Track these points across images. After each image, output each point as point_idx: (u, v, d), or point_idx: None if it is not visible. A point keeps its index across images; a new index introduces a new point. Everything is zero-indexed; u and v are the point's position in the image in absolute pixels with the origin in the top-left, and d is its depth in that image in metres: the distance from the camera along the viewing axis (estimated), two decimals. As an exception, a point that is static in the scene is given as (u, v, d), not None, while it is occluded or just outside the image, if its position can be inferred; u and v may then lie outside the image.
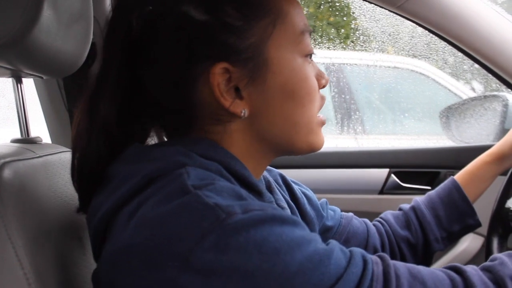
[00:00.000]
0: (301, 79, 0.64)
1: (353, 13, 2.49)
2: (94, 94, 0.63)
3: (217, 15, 0.60)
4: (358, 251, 0.55)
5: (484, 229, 1.05)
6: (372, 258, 0.56)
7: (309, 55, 0.66)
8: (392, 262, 0.56)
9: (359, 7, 2.06)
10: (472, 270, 0.58)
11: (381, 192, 1.55)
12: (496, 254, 0.62)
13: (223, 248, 0.48)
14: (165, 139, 0.71)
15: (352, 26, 2.43)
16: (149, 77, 0.64)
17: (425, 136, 2.46)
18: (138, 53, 0.63)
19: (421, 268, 0.57)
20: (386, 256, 0.57)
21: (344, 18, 2.66)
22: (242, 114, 0.62)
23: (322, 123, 0.70)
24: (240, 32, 0.60)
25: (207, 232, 0.48)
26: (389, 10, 1.09)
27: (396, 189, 1.54)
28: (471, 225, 0.95)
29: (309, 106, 0.65)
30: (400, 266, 0.56)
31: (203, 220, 0.49)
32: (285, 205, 0.77)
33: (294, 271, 0.49)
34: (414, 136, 2.52)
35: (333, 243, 0.55)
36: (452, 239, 0.96)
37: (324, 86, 0.70)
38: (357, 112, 2.53)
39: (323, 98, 0.70)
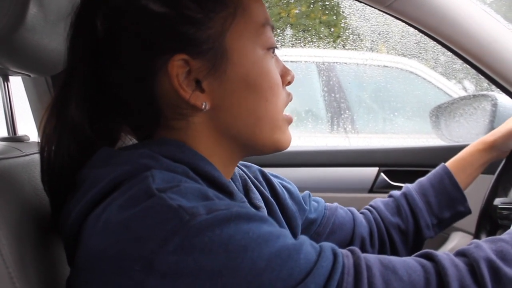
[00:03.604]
0: (263, 71, 0.64)
1: (343, 12, 2.49)
2: (61, 95, 0.63)
3: (175, 7, 0.61)
4: (328, 245, 0.56)
5: (472, 227, 1.06)
6: (343, 251, 0.56)
7: (271, 49, 0.66)
8: (363, 255, 0.56)
9: (349, 6, 2.06)
10: (443, 255, 0.58)
11: (371, 190, 1.55)
12: (474, 240, 0.62)
13: (188, 249, 0.48)
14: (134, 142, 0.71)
15: (342, 25, 2.44)
16: (114, 76, 0.64)
17: (415, 135, 2.47)
18: (104, 53, 0.63)
19: (392, 257, 0.57)
20: (357, 249, 0.57)
21: (334, 17, 2.66)
22: (203, 106, 0.62)
23: (289, 121, 0.69)
24: (199, 24, 0.61)
25: (170, 234, 0.48)
26: (379, 9, 1.09)
27: (385, 188, 1.54)
28: (462, 212, 0.96)
29: (273, 100, 0.65)
30: (371, 258, 0.56)
31: (166, 223, 0.49)
32: (262, 204, 0.76)
33: (262, 267, 0.49)
34: (404, 135, 2.53)
35: (303, 238, 0.55)
36: (442, 227, 0.97)
37: (289, 83, 0.70)
38: (347, 111, 2.53)
39: (289, 95, 0.70)
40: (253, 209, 0.56)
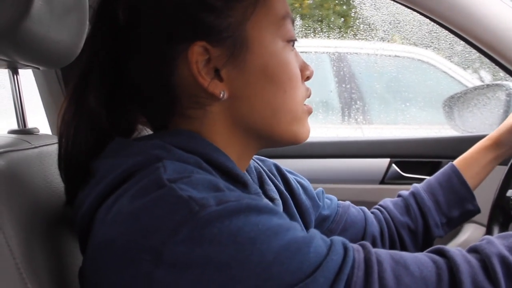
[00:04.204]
0: (282, 63, 0.64)
1: (353, 1, 2.47)
2: (80, 84, 0.63)
3: None
4: (338, 239, 0.55)
5: (485, 218, 1.05)
6: (354, 246, 0.55)
7: (291, 41, 0.66)
8: (374, 249, 0.56)
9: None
10: (455, 251, 0.57)
11: (382, 182, 1.54)
12: (486, 236, 0.61)
13: (197, 240, 0.48)
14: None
15: (353, 14, 2.42)
16: (133, 63, 0.64)
17: (427, 126, 2.45)
18: (124, 43, 0.63)
19: (403, 253, 0.57)
20: (368, 244, 0.57)
21: (344, 7, 2.64)
22: (221, 95, 0.62)
23: (309, 111, 0.69)
24: (220, 12, 0.61)
25: (180, 225, 0.48)
26: (389, -2, 1.08)
27: (397, 179, 1.53)
28: (471, 211, 0.95)
29: (291, 92, 0.65)
30: (382, 253, 0.55)
31: (176, 214, 0.49)
32: (277, 196, 0.76)
33: (271, 260, 0.49)
34: (416, 125, 2.50)
35: (313, 231, 0.55)
36: (451, 225, 0.96)
37: (308, 78, 0.69)
38: (359, 101, 2.52)
39: (308, 90, 0.69)
40: (263, 201, 0.55)
